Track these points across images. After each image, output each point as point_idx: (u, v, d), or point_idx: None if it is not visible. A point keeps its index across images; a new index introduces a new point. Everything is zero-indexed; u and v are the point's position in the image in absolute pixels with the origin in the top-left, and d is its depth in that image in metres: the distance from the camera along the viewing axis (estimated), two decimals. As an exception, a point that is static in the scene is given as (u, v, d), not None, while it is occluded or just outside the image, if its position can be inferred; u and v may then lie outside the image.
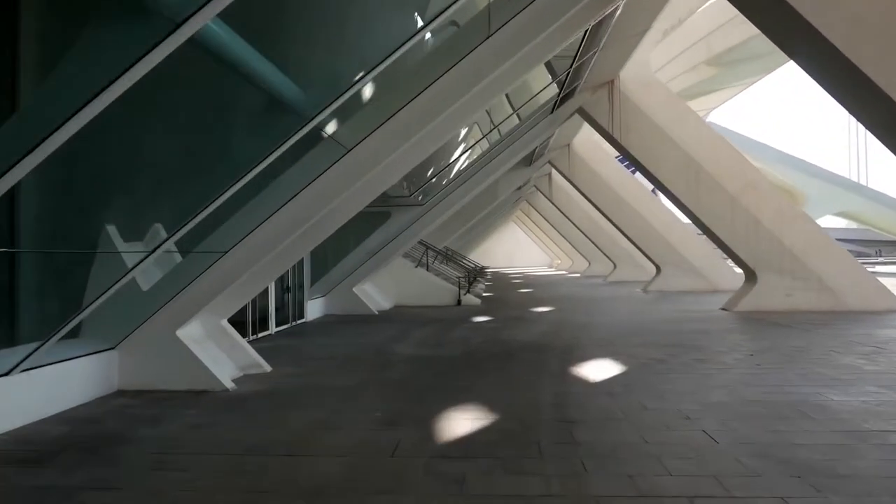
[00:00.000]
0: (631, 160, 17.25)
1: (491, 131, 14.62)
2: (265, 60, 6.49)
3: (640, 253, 34.73)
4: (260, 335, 12.17)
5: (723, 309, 16.58)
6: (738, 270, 30.59)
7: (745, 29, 23.86)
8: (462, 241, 35.24)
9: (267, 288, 12.64)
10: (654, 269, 34.06)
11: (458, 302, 19.15)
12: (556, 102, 16.33)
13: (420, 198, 14.57)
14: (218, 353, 8.25)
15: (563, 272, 50.53)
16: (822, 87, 7.34)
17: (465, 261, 33.62)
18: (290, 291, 14.16)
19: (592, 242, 36.12)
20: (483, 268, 32.70)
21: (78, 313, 6.52)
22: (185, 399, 7.05)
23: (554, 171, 34.59)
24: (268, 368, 8.62)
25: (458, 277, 19.93)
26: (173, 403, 6.85)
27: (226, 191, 6.70)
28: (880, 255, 68.20)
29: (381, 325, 14.12)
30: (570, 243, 44.68)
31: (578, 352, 10.03)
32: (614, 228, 35.11)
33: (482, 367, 8.87)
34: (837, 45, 6.16)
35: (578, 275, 42.83)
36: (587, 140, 26.05)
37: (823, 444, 5.18)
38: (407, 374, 8.59)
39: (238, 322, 11.35)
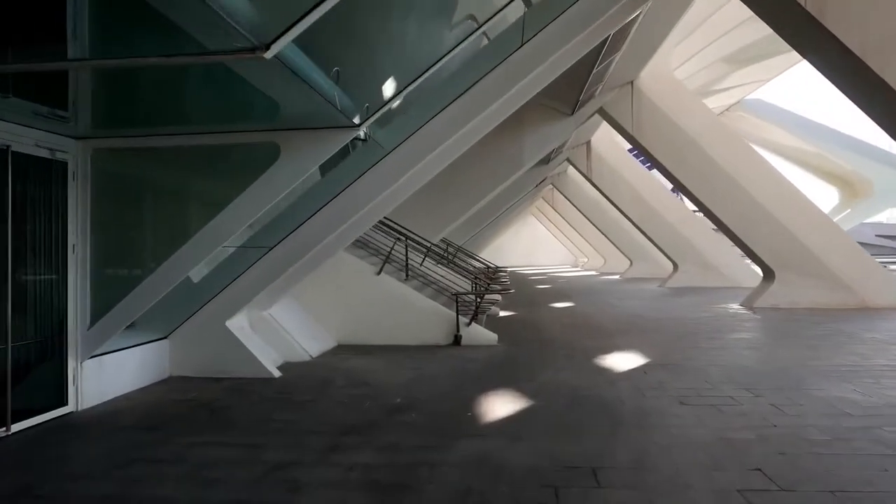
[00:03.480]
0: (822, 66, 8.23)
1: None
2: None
3: (708, 250, 25.77)
4: None
5: None
6: None
7: None
8: (467, 231, 26.30)
9: None
10: (736, 272, 25.06)
11: (457, 339, 10.26)
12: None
13: (346, 110, 5.73)
14: None
15: (594, 272, 41.48)
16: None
17: (476, 259, 24.70)
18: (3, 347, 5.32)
19: (646, 235, 27.00)
20: (498, 270, 23.79)
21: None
22: None
23: (595, 139, 25.66)
24: None
25: (454, 295, 10.84)
26: None
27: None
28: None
29: (215, 448, 5.24)
30: (607, 238, 35.57)
31: None
32: (675, 218, 26.16)
33: None
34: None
35: (617, 277, 33.80)
36: (661, 75, 17.00)
37: None
38: None
39: None
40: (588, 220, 35.66)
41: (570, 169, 32.63)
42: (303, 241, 7.80)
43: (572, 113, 16.68)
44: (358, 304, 10.59)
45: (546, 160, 25.02)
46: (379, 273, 10.60)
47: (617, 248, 35.39)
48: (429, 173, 8.70)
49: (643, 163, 29.37)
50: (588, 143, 25.80)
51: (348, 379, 7.72)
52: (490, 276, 17.25)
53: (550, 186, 38.76)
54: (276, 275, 7.90)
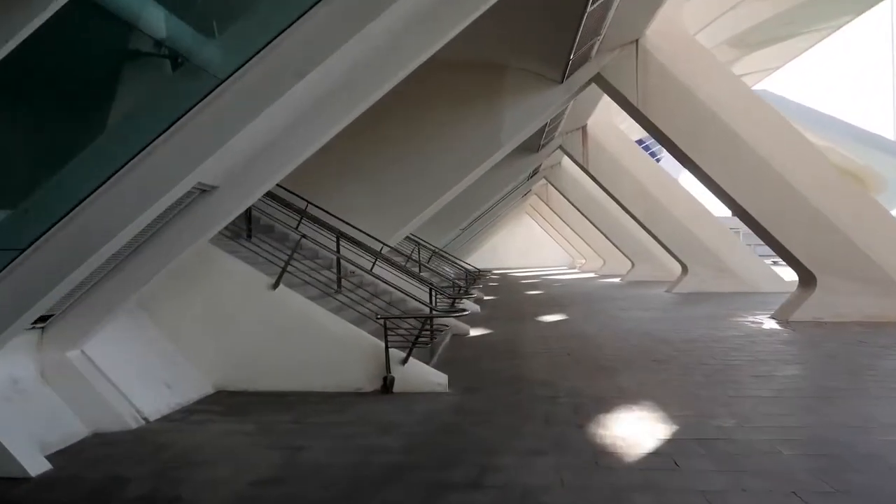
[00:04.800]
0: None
1: None
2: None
3: (722, 250, 22.50)
4: None
5: None
6: None
7: None
8: (446, 231, 22.99)
9: None
10: (754, 275, 21.77)
11: (386, 384, 6.93)
12: None
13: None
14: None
15: (592, 275, 38.26)
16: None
17: (457, 263, 21.45)
18: None
19: (650, 233, 23.69)
20: (477, 276, 20.51)
21: None
22: None
23: (592, 123, 22.43)
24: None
25: (381, 320, 7.18)
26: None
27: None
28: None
29: None
30: (606, 237, 32.30)
31: None
32: (684, 213, 22.90)
33: None
34: None
35: (618, 280, 30.56)
36: (672, 32, 13.70)
37: None
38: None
39: None
40: (585, 217, 32.39)
41: (565, 161, 29.42)
42: (82, 235, 4.50)
43: (562, 80, 13.43)
44: (246, 330, 7.29)
45: (535, 147, 21.77)
46: (275, 286, 7.28)
47: (617, 247, 32.10)
48: (325, 124, 5.39)
49: (652, 155, 26.19)
50: (584, 127, 22.54)
51: (154, 480, 4.40)
52: (465, 286, 13.95)
53: (544, 182, 35.52)
54: (39, 295, 4.60)
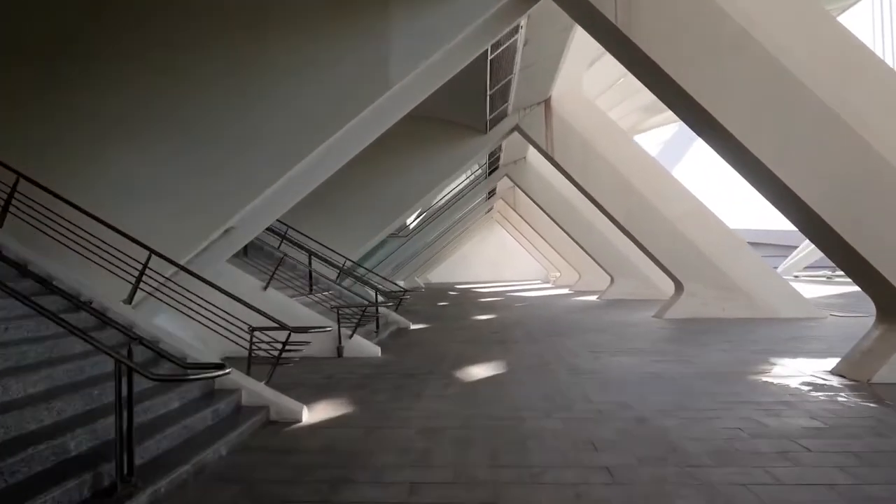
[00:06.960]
0: None
1: None
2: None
3: (727, 262, 17.22)
4: None
5: None
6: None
7: None
8: (363, 231, 17.35)
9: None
10: (771, 296, 16.43)
11: None
12: None
13: None
14: None
15: (567, 291, 33.03)
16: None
17: (375, 284, 16.06)
18: None
19: (634, 240, 18.26)
20: (401, 295, 15.08)
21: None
22: None
23: (558, 96, 17.15)
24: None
25: None
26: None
27: None
28: None
29: None
30: (580, 246, 26.94)
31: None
32: (678, 213, 17.60)
33: None
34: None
35: (595, 297, 25.23)
36: None
37: None
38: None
39: None
40: (555, 222, 27.02)
41: (532, 153, 24.14)
42: None
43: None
44: None
45: (482, 126, 16.35)
46: None
47: (593, 259, 26.77)
48: None
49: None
50: (547, 101, 17.18)
51: None
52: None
53: (510, 184, 30.14)
54: None
